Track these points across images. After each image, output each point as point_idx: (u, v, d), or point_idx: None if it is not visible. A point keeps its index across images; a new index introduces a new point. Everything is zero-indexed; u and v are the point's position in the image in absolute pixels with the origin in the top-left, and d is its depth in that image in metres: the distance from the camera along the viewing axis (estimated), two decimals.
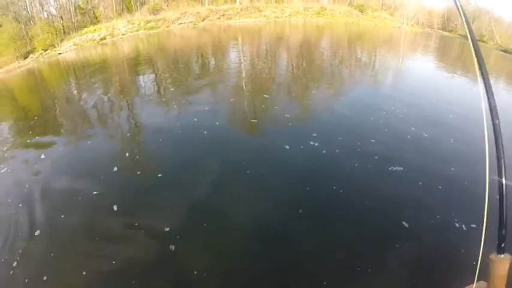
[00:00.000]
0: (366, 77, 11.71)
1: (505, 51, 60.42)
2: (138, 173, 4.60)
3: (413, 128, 5.85)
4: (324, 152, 4.90)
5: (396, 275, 2.96)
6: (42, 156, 5.48)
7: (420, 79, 11.49)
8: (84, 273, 3.01)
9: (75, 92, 10.56)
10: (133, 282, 2.91)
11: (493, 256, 0.75)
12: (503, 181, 0.90)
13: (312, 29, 29.27)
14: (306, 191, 4.05)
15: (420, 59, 18.37)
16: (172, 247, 3.21)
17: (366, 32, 33.91)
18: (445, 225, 3.50)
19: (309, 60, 14.78)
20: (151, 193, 4.19)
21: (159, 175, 4.48)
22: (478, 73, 1.05)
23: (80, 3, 27.59)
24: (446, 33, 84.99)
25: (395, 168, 4.44)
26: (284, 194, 4.05)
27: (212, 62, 13.92)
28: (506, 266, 0.72)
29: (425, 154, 4.97)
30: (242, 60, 13.67)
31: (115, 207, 3.86)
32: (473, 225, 3.30)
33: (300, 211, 3.68)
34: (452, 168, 4.52)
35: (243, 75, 10.83)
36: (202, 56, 14.97)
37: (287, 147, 5.02)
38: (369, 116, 6.47)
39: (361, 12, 44.31)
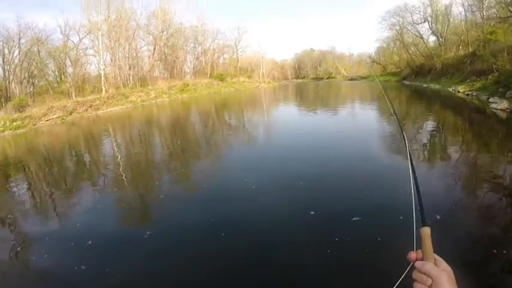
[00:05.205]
0: (237, 138, 14.54)
1: (351, 79, 78.62)
2: None
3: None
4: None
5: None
6: None
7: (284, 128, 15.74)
8: None
9: None
10: None
11: (420, 229, 0.96)
12: (412, 164, 1.21)
13: (178, 106, 32.10)
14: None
15: (279, 110, 23.87)
16: None
17: (228, 97, 38.33)
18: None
19: (182, 136, 16.80)
20: None
21: None
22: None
23: None
24: (300, 80, 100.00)
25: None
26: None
27: (87, 157, 14.38)
28: (428, 234, 0.94)
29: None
30: (117, 151, 14.60)
31: None
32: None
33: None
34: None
35: (121, 165, 11.54)
36: (76, 153, 15.39)
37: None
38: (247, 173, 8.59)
39: (221, 81, 51.09)
